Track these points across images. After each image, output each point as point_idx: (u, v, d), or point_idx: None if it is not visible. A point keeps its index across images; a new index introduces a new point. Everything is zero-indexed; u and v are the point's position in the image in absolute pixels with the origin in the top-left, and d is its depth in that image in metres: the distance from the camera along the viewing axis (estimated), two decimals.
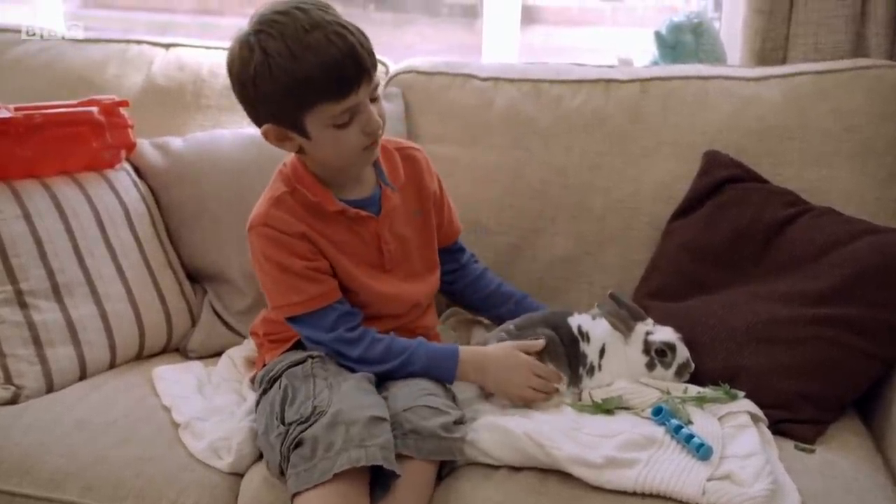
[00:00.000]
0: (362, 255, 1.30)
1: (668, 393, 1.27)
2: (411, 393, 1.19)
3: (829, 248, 1.37)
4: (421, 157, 1.40)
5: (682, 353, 1.31)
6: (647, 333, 1.31)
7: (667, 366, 1.30)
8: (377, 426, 1.09)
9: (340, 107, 1.16)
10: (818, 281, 1.34)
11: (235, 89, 1.21)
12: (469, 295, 1.49)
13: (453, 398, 1.25)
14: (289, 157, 1.31)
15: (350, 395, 1.14)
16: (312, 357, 1.25)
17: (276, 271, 1.24)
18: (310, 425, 1.10)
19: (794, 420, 1.24)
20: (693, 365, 1.31)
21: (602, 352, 1.33)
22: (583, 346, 1.33)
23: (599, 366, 1.32)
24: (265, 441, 1.18)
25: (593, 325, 1.35)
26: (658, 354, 1.29)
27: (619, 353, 1.32)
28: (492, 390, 1.29)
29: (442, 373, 1.26)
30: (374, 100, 1.21)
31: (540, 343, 1.30)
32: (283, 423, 1.15)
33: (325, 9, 1.17)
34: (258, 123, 1.23)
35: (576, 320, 1.36)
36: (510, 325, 1.37)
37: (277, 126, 1.21)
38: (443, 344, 1.32)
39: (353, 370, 1.24)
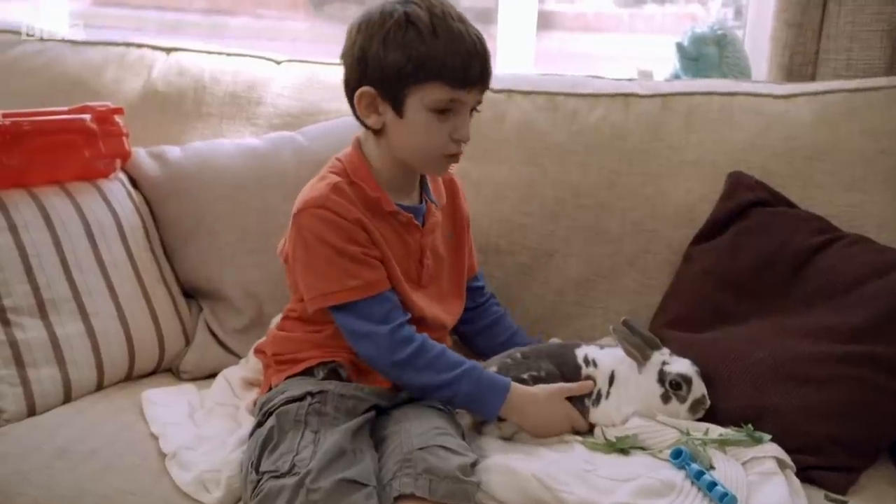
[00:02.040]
0: (404, 265, 1.27)
1: (688, 434, 1.19)
2: (425, 431, 1.13)
3: (861, 279, 1.30)
4: (458, 182, 1.41)
5: (699, 388, 1.23)
6: (664, 363, 1.24)
7: (681, 400, 1.22)
8: (346, 491, 1.02)
9: (450, 94, 1.18)
10: (850, 315, 1.26)
11: (353, 46, 1.21)
12: (481, 342, 1.44)
13: (463, 436, 1.19)
14: (344, 151, 1.29)
15: (328, 454, 1.07)
16: (312, 394, 1.18)
17: (331, 254, 1.20)
18: (279, 480, 1.05)
19: (825, 467, 1.17)
20: (709, 402, 1.23)
21: (611, 379, 1.26)
22: (588, 371, 1.27)
23: (607, 393, 1.25)
24: (243, 482, 1.13)
25: (601, 354, 1.29)
26: (673, 387, 1.22)
27: (630, 382, 1.25)
28: (524, 429, 1.24)
29: (485, 406, 1.21)
30: (472, 112, 1.24)
31: (589, 385, 1.26)
32: (256, 471, 1.09)
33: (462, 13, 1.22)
34: (357, 84, 1.21)
35: (583, 350, 1.30)
36: (517, 352, 1.31)
37: (377, 93, 1.20)
38: (495, 374, 1.25)
39: (353, 412, 1.17)
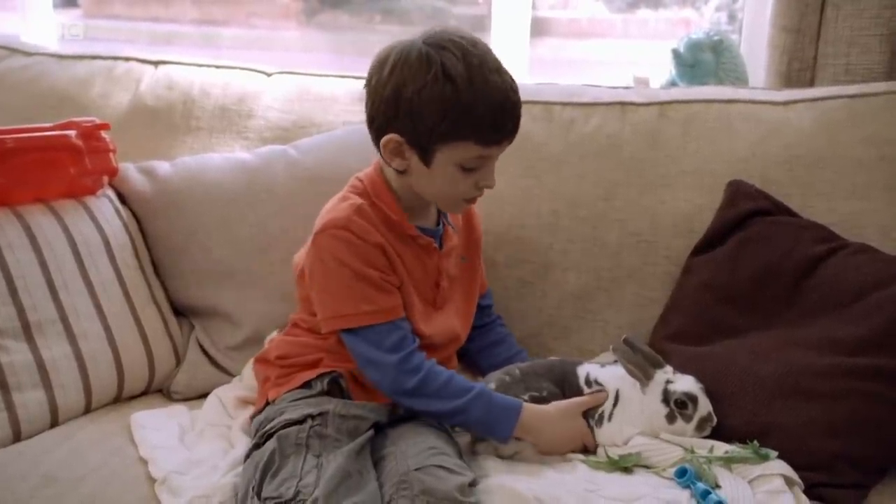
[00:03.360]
0: (421, 287, 1.27)
1: (693, 451, 1.16)
2: (420, 451, 1.11)
3: (866, 289, 1.27)
4: (474, 206, 1.37)
5: (705, 405, 1.20)
6: (668, 382, 1.21)
7: (687, 419, 1.20)
8: None
9: (480, 152, 1.17)
10: (855, 327, 1.24)
11: (384, 91, 1.16)
12: (484, 359, 1.42)
13: (459, 455, 1.16)
14: (364, 172, 1.28)
15: (333, 479, 1.04)
16: (312, 417, 1.15)
17: (349, 277, 1.19)
18: None
19: (833, 484, 1.14)
20: (715, 419, 1.20)
21: (616, 399, 1.23)
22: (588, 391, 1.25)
23: (610, 415, 1.23)
24: None
25: (603, 373, 1.26)
26: (678, 406, 1.19)
27: (634, 403, 1.22)
28: (537, 446, 1.21)
29: (498, 428, 1.18)
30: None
31: (602, 396, 1.24)
32: (258, 496, 1.06)
33: (498, 59, 1.19)
34: (385, 130, 1.18)
35: (584, 369, 1.27)
36: (515, 369, 1.28)
37: (405, 142, 1.18)
38: (505, 396, 1.22)
39: (355, 432, 1.14)
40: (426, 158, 1.18)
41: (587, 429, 1.23)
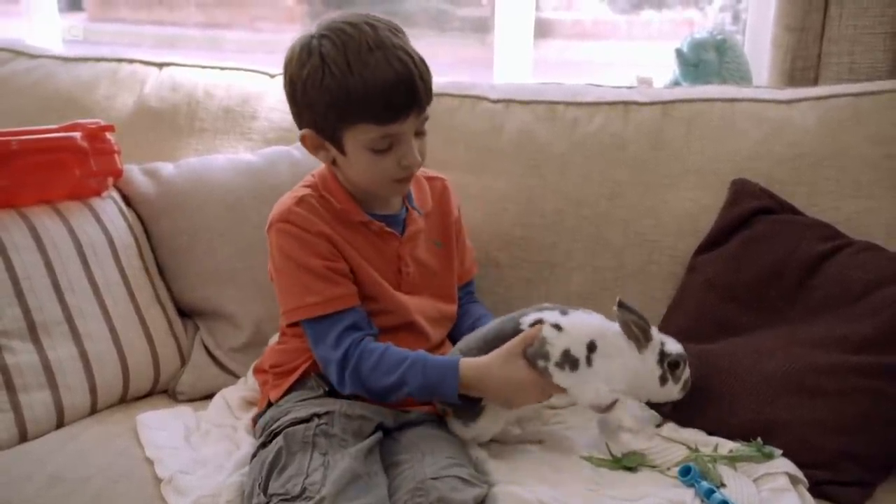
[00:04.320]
0: (381, 272, 1.26)
1: (697, 450, 1.16)
2: (438, 460, 1.11)
3: (871, 287, 1.26)
4: (449, 188, 1.38)
5: (687, 366, 1.21)
6: (662, 343, 1.20)
7: (676, 379, 1.20)
8: None
9: (381, 131, 1.15)
10: (860, 325, 1.23)
11: (285, 88, 1.21)
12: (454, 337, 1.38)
13: (474, 466, 1.16)
14: (318, 167, 1.29)
15: (342, 479, 1.04)
16: (318, 416, 1.15)
17: (293, 269, 1.20)
18: None
19: (838, 482, 1.14)
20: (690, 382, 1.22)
21: (591, 347, 1.17)
22: (548, 336, 1.17)
23: (589, 360, 1.16)
24: (247, 502, 1.09)
25: (569, 319, 1.19)
26: (671, 366, 1.19)
27: (622, 359, 1.18)
28: (496, 403, 1.20)
29: (441, 389, 1.17)
30: (419, 133, 1.21)
31: (534, 332, 1.17)
32: (265, 493, 1.06)
33: (395, 31, 1.16)
34: (300, 126, 1.22)
35: (533, 316, 1.19)
36: (456, 349, 1.24)
37: (316, 134, 1.20)
38: (441, 357, 1.21)
39: (360, 433, 1.15)
40: (339, 147, 1.18)
41: (535, 373, 1.17)
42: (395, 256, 1.27)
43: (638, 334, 1.18)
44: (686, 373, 1.21)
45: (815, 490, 1.13)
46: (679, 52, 1.80)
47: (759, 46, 1.77)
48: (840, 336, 1.24)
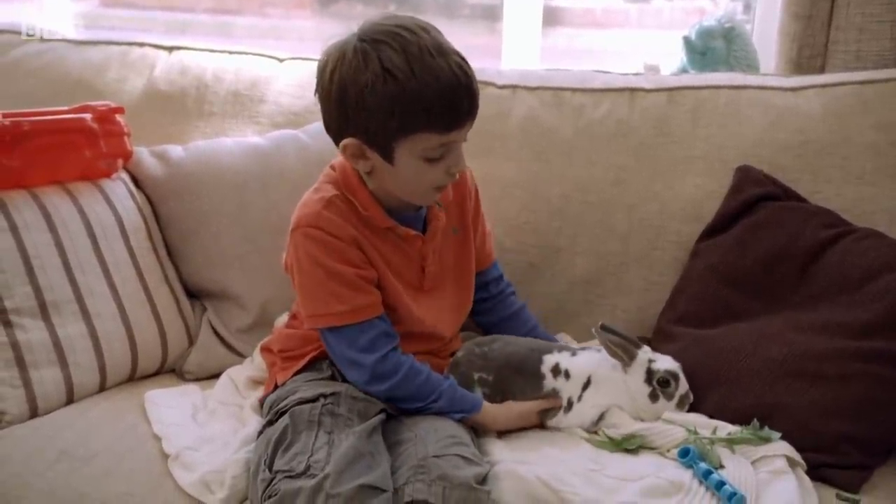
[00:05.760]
0: (404, 273, 1.25)
1: (696, 433, 1.17)
2: (440, 439, 1.12)
3: (873, 274, 1.27)
4: (469, 175, 1.36)
5: (684, 383, 1.23)
6: (650, 361, 1.23)
7: (669, 397, 1.22)
8: (365, 497, 1.00)
9: (441, 139, 1.13)
10: (862, 311, 1.24)
11: (330, 96, 1.14)
12: (502, 332, 1.40)
13: (475, 445, 1.18)
14: (338, 159, 1.24)
15: (346, 458, 1.05)
16: (325, 396, 1.17)
17: (322, 276, 1.17)
18: (295, 482, 1.03)
19: (837, 465, 1.15)
20: (692, 397, 1.24)
21: (586, 385, 1.24)
22: (556, 384, 1.25)
23: (580, 398, 1.24)
24: (253, 481, 1.11)
25: (576, 361, 1.26)
26: (661, 384, 1.22)
27: (612, 383, 1.23)
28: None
29: (457, 417, 1.21)
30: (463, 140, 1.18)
31: (556, 402, 1.25)
32: (269, 469, 1.07)
33: (441, 35, 1.13)
34: (343, 134, 1.15)
35: (553, 359, 1.27)
36: (486, 344, 1.30)
37: (363, 143, 1.14)
38: (468, 393, 1.25)
39: (365, 414, 1.16)
40: (388, 157, 1.14)
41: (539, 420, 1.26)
42: (419, 256, 1.27)
43: (620, 354, 1.22)
44: (682, 389, 1.22)
45: (814, 473, 1.14)
46: (687, 40, 1.80)
47: (768, 35, 1.77)
48: (842, 322, 1.24)
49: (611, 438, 1.19)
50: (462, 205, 1.34)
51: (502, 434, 1.24)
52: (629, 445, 1.17)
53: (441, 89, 1.08)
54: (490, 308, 1.41)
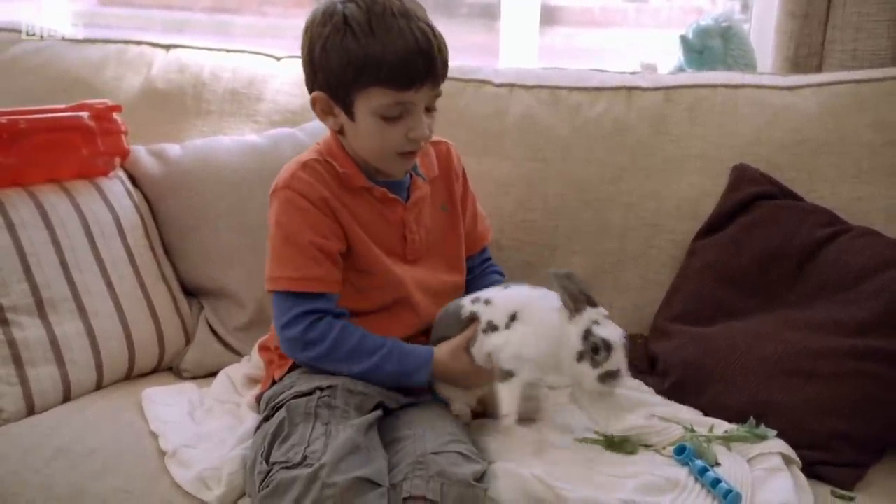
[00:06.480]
0: (385, 240, 1.26)
1: (692, 430, 1.17)
2: (439, 436, 1.12)
3: (869, 272, 1.28)
4: (453, 152, 1.37)
5: (618, 361, 1.11)
6: (594, 323, 1.12)
7: (595, 365, 1.10)
8: (360, 490, 1.01)
9: (394, 97, 1.15)
10: (857, 309, 1.25)
11: (303, 50, 1.21)
12: None
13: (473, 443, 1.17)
14: (325, 135, 1.28)
15: (343, 449, 1.05)
16: (321, 389, 1.17)
17: (279, 239, 1.20)
18: (291, 471, 1.03)
19: (832, 463, 1.15)
20: (623, 379, 1.12)
21: (514, 317, 1.16)
22: (471, 308, 1.20)
23: (507, 325, 1.16)
24: (250, 475, 1.11)
25: (504, 293, 1.20)
26: (592, 349, 1.10)
27: (545, 325, 1.14)
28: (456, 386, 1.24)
29: (415, 377, 1.20)
30: (430, 109, 1.21)
31: (473, 329, 1.19)
32: (266, 461, 1.08)
33: (418, 7, 1.18)
34: (311, 89, 1.22)
35: (476, 294, 1.22)
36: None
37: (327, 97, 1.20)
38: (417, 347, 1.23)
39: (362, 408, 1.16)
40: (350, 112, 1.18)
41: (472, 365, 1.19)
42: (400, 223, 1.27)
43: (568, 302, 1.13)
44: (611, 364, 1.10)
45: (808, 470, 1.14)
46: (684, 39, 1.80)
47: (765, 34, 1.77)
48: (837, 320, 1.25)
49: (605, 437, 1.19)
50: (448, 180, 1.35)
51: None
52: (626, 450, 1.16)
53: (395, 47, 1.12)
54: (469, 281, 1.38)
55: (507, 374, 1.17)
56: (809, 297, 1.31)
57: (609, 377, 1.11)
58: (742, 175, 1.46)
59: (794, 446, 1.15)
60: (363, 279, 1.24)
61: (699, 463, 1.10)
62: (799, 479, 1.11)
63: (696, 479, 1.08)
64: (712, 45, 1.78)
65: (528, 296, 1.19)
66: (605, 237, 1.52)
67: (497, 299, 1.20)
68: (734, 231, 1.41)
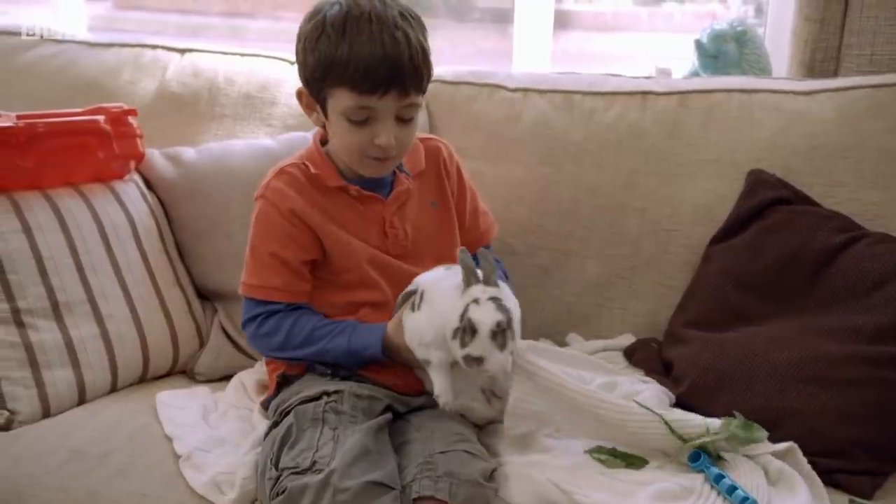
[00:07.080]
0: (366, 237, 1.27)
1: (668, 424, 1.13)
2: (446, 436, 1.13)
3: (886, 278, 1.27)
4: (444, 149, 1.37)
5: (482, 347, 1.03)
6: (475, 301, 1.05)
7: (462, 345, 1.04)
8: (372, 494, 1.01)
9: (358, 101, 1.16)
10: (874, 315, 1.24)
11: (295, 43, 1.25)
12: None
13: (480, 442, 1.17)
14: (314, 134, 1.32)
15: (352, 453, 1.05)
16: (328, 394, 1.17)
17: (249, 246, 1.27)
18: (301, 478, 1.03)
19: (849, 471, 1.14)
20: (489, 368, 1.04)
21: (422, 296, 1.14)
22: (411, 287, 1.19)
23: (418, 305, 1.14)
24: (260, 481, 1.11)
25: (425, 275, 1.18)
26: (464, 328, 1.04)
27: (442, 305, 1.09)
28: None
29: (368, 350, 1.21)
30: (404, 119, 1.20)
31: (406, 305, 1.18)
32: (276, 467, 1.08)
33: (407, 15, 1.18)
34: (301, 83, 1.25)
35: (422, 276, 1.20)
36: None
37: (309, 93, 1.23)
38: (372, 325, 1.23)
39: (370, 412, 1.16)
40: (324, 109, 1.22)
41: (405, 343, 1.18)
42: (380, 219, 1.27)
43: (464, 277, 1.08)
44: (472, 350, 1.03)
45: (826, 479, 1.13)
46: (698, 44, 1.79)
47: (781, 39, 1.76)
48: (853, 326, 1.24)
49: (616, 455, 1.15)
50: (438, 177, 1.34)
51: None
52: (636, 465, 1.14)
53: (362, 51, 1.13)
54: None
55: (425, 362, 1.16)
56: (825, 304, 1.30)
57: (472, 362, 1.05)
58: (757, 180, 1.45)
59: (811, 454, 1.13)
60: (343, 276, 1.26)
61: (714, 470, 1.09)
62: (816, 487, 1.10)
63: (712, 486, 1.08)
64: (727, 50, 1.77)
65: (435, 276, 1.17)
66: (619, 242, 1.51)
67: (418, 281, 1.19)
68: (750, 236, 1.40)
